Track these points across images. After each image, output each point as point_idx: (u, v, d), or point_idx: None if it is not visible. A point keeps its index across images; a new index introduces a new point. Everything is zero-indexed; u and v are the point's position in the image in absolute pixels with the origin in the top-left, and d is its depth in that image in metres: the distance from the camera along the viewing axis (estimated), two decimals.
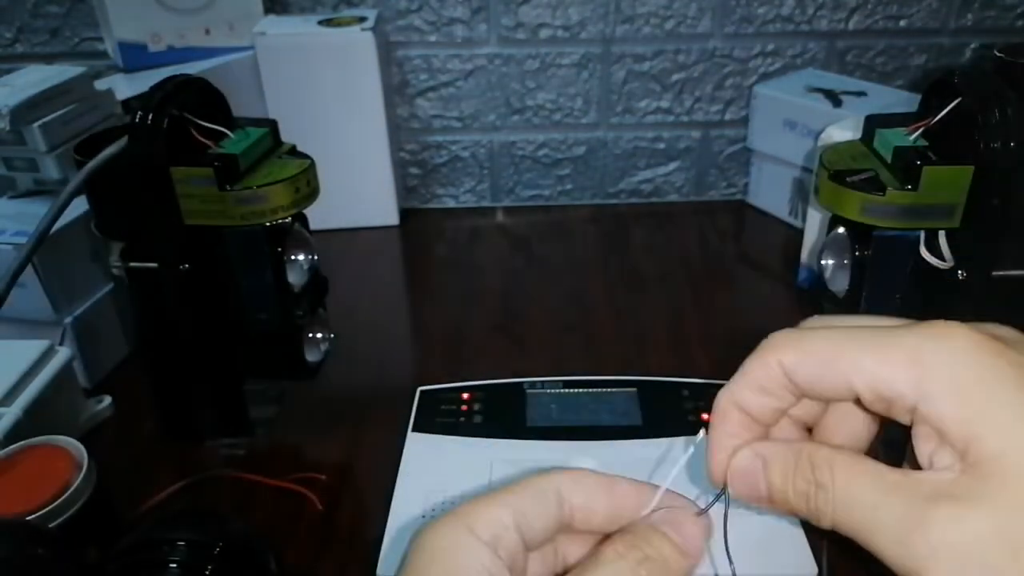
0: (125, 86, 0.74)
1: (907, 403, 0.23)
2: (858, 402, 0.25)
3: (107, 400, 0.59)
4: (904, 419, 0.24)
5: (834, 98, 0.77)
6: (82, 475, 0.43)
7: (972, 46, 0.86)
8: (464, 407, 0.55)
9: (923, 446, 0.23)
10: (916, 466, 0.25)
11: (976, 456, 0.22)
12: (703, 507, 0.27)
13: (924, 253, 0.45)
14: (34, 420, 0.49)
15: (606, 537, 0.27)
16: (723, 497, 0.27)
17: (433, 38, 0.85)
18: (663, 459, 0.50)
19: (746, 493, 0.27)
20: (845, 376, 0.24)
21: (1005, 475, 0.21)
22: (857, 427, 0.28)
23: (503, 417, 0.54)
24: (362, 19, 0.78)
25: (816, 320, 0.28)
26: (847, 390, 0.24)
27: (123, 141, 0.46)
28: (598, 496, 0.27)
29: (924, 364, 0.23)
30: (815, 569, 0.42)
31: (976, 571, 0.20)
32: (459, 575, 0.24)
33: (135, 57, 0.80)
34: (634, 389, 0.56)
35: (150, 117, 0.45)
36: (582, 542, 0.28)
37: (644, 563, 0.24)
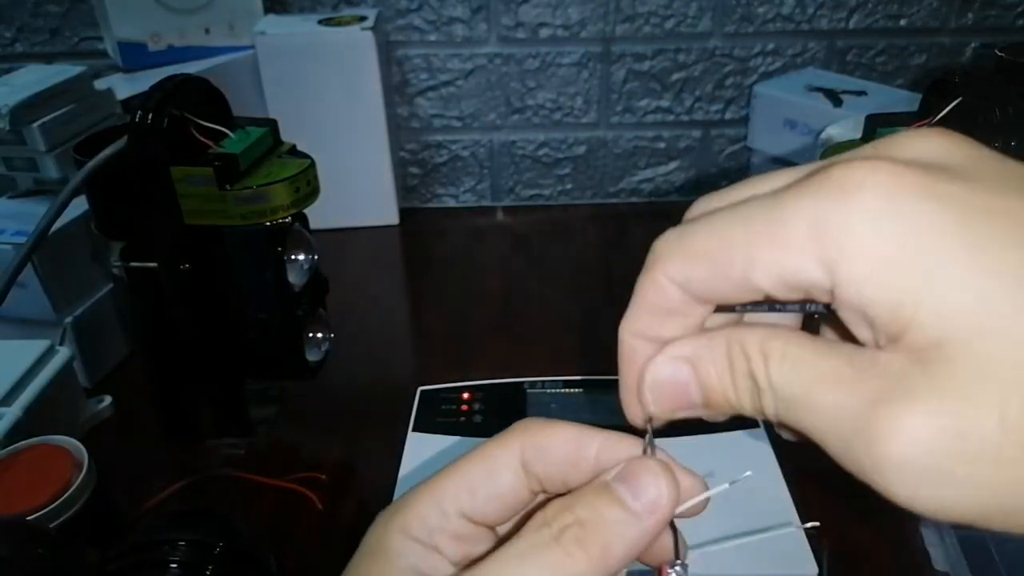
0: (125, 86, 0.74)
1: (824, 288, 0.19)
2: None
3: (107, 400, 0.59)
4: (824, 301, 0.20)
5: (834, 97, 0.77)
6: (82, 475, 0.43)
7: (973, 45, 0.86)
8: (464, 407, 0.55)
9: (856, 329, 0.19)
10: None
11: (917, 343, 0.17)
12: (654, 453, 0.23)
13: None
14: (34, 420, 0.49)
15: None
16: (649, 436, 0.23)
17: (433, 37, 0.85)
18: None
19: (674, 405, 0.22)
20: (744, 277, 0.19)
21: (954, 364, 0.17)
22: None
23: (503, 417, 0.54)
24: (362, 18, 0.78)
25: (702, 203, 0.22)
26: (752, 292, 0.20)
27: (123, 141, 0.46)
28: (566, 464, 0.23)
29: (830, 237, 0.18)
30: (815, 569, 0.42)
31: (934, 477, 0.17)
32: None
33: (135, 57, 0.80)
34: None
35: (150, 117, 0.45)
36: None
37: (570, 529, 0.20)
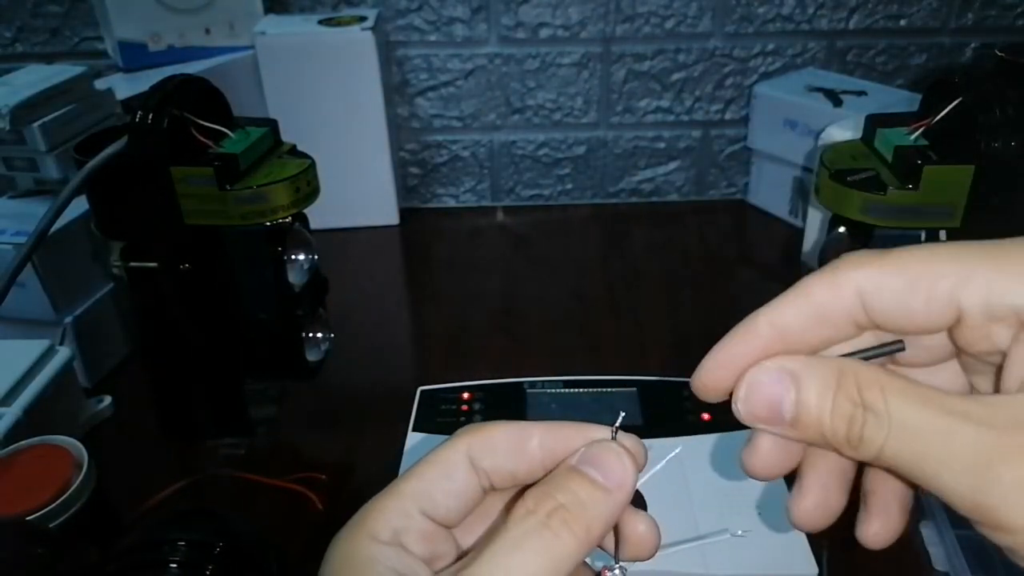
0: (125, 86, 0.74)
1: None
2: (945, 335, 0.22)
3: (107, 400, 0.59)
4: (1001, 344, 0.21)
5: (834, 98, 0.77)
6: (82, 475, 0.43)
7: (972, 45, 0.86)
8: (464, 407, 0.55)
9: (1016, 369, 0.20)
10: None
11: None
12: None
13: None
14: (34, 420, 0.49)
15: None
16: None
17: (433, 37, 0.85)
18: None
19: (764, 414, 0.22)
20: (949, 292, 0.20)
21: None
22: (928, 358, 0.23)
23: (503, 417, 0.53)
24: (362, 19, 0.78)
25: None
26: (947, 312, 0.20)
27: (123, 141, 0.46)
28: (510, 456, 0.25)
29: None
30: (815, 569, 0.42)
31: None
32: None
33: (135, 57, 0.80)
34: (634, 389, 0.56)
35: (150, 117, 0.45)
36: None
37: (556, 513, 0.22)
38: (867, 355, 0.22)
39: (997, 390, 0.21)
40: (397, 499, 0.24)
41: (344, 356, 0.60)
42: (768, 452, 0.23)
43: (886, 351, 0.22)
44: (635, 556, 0.24)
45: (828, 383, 0.21)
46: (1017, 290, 0.20)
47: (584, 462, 0.23)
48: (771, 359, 0.22)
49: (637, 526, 0.24)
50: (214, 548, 0.37)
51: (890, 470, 0.21)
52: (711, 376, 0.23)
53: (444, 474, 0.24)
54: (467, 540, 0.26)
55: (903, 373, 0.23)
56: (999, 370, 0.21)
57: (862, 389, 0.20)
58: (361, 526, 0.24)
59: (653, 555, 0.25)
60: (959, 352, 0.22)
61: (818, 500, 0.24)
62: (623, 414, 0.24)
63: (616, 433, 0.24)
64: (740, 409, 0.22)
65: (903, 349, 0.22)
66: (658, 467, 0.24)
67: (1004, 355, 0.20)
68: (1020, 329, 0.20)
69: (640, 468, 0.24)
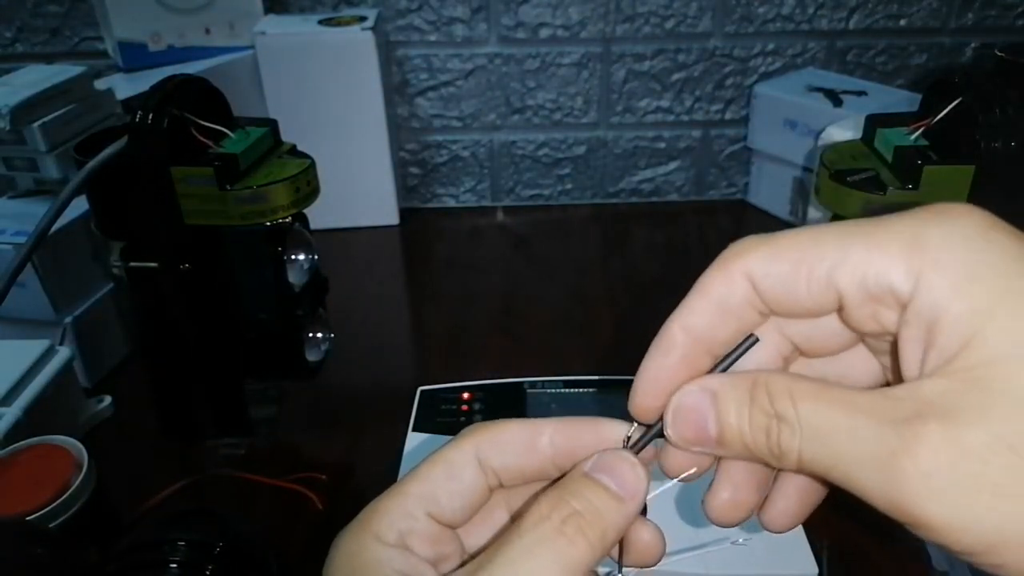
0: (125, 86, 0.74)
1: (901, 297, 0.19)
2: (836, 319, 0.22)
3: (107, 400, 0.59)
4: (889, 324, 0.20)
5: (834, 98, 0.77)
6: (82, 475, 0.43)
7: (973, 45, 0.86)
8: (464, 407, 0.55)
9: (909, 353, 0.20)
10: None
11: (975, 358, 0.18)
12: (635, 447, 0.24)
13: None
14: (34, 420, 0.49)
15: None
16: (654, 434, 0.24)
17: (433, 37, 0.85)
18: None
19: (691, 436, 0.22)
20: (827, 274, 0.20)
21: (1009, 380, 0.17)
22: (832, 346, 0.24)
23: (503, 417, 0.54)
24: (362, 19, 0.78)
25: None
26: (827, 294, 0.20)
27: (123, 141, 0.46)
28: (520, 454, 0.24)
29: (926, 249, 0.19)
30: (815, 569, 0.42)
31: (974, 496, 0.17)
32: None
33: (135, 57, 0.80)
34: None
35: (150, 117, 0.45)
36: (534, 488, 0.26)
37: (571, 519, 0.22)
38: (726, 362, 0.23)
39: (896, 380, 0.21)
40: (401, 500, 0.24)
41: (344, 356, 0.60)
42: (684, 459, 0.24)
43: (741, 351, 0.23)
44: (640, 563, 0.24)
45: (743, 398, 0.21)
46: (891, 269, 0.19)
47: (598, 469, 0.23)
48: (694, 380, 0.23)
49: (643, 534, 0.24)
50: (214, 548, 0.37)
51: (818, 478, 0.21)
52: (644, 400, 0.23)
53: (450, 474, 0.24)
54: (472, 539, 0.26)
55: (815, 365, 0.24)
56: (894, 358, 0.21)
57: (773, 399, 0.20)
58: (365, 527, 0.24)
59: (657, 563, 0.24)
60: (859, 335, 0.22)
61: (731, 498, 0.24)
62: (634, 425, 0.24)
63: (628, 441, 0.24)
64: (671, 434, 0.23)
65: (756, 341, 0.22)
66: (669, 484, 0.24)
67: (896, 339, 0.20)
68: (902, 310, 0.20)
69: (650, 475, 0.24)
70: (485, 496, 0.25)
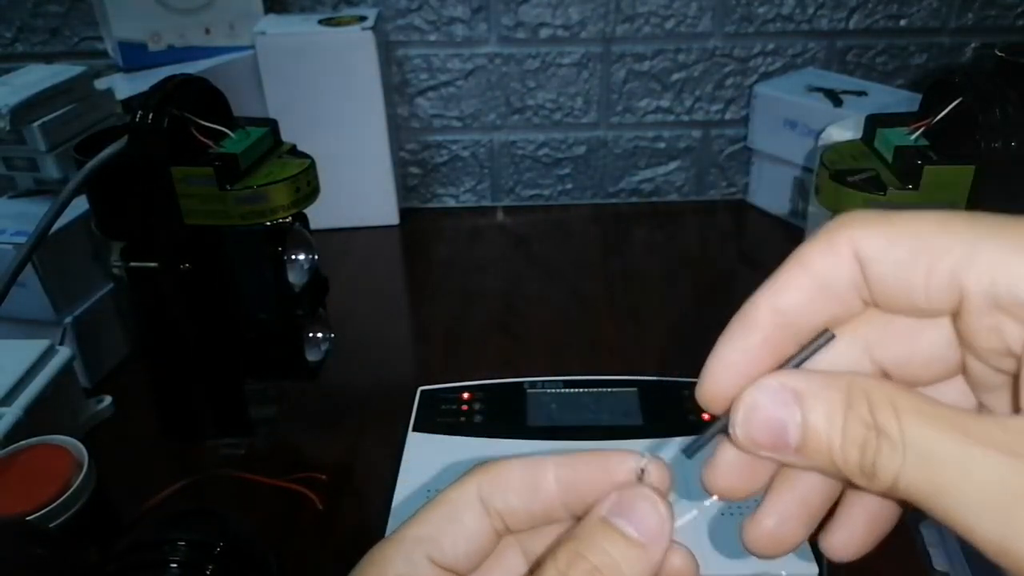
0: (125, 86, 0.74)
1: None
2: (951, 322, 0.19)
3: (107, 400, 0.59)
4: (1013, 342, 0.17)
5: (834, 98, 0.77)
6: (82, 475, 0.43)
7: (973, 45, 0.86)
8: (464, 407, 0.55)
9: None
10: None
11: None
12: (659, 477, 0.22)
13: None
14: (34, 420, 0.49)
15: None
16: (717, 429, 0.21)
17: (433, 37, 0.85)
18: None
19: (764, 440, 0.19)
20: (951, 270, 0.17)
21: None
22: (929, 373, 0.20)
23: (503, 417, 0.54)
24: (362, 18, 0.78)
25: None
26: (947, 294, 0.17)
27: (123, 141, 0.46)
28: (525, 495, 0.22)
29: None
30: (815, 569, 0.42)
31: None
32: None
33: (135, 57, 0.80)
34: (634, 389, 0.56)
35: (150, 117, 0.45)
36: (551, 531, 0.23)
37: None
38: (797, 359, 0.20)
39: (1016, 409, 0.18)
40: (400, 545, 0.22)
41: (344, 356, 0.60)
42: (731, 473, 0.21)
43: (814, 348, 0.20)
44: None
45: (837, 403, 0.18)
46: None
47: (615, 513, 0.21)
48: (772, 375, 0.19)
49: (673, 560, 0.22)
50: (214, 548, 0.37)
51: (908, 503, 0.18)
52: (715, 386, 0.20)
53: (451, 516, 0.23)
54: None
55: None
56: (1015, 382, 0.18)
57: (874, 408, 0.18)
58: (370, 570, 0.22)
59: None
60: (966, 357, 0.19)
61: (775, 529, 0.21)
62: (646, 457, 0.22)
63: (643, 474, 0.22)
64: (739, 434, 0.20)
65: (832, 337, 0.20)
66: (691, 515, 0.22)
67: (1020, 361, 0.18)
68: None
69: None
70: (492, 540, 0.23)
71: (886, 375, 0.20)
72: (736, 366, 0.20)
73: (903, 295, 0.18)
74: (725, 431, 0.20)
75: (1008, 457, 0.16)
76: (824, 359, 0.20)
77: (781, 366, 0.20)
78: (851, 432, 0.18)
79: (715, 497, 0.21)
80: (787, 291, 0.19)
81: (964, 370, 0.20)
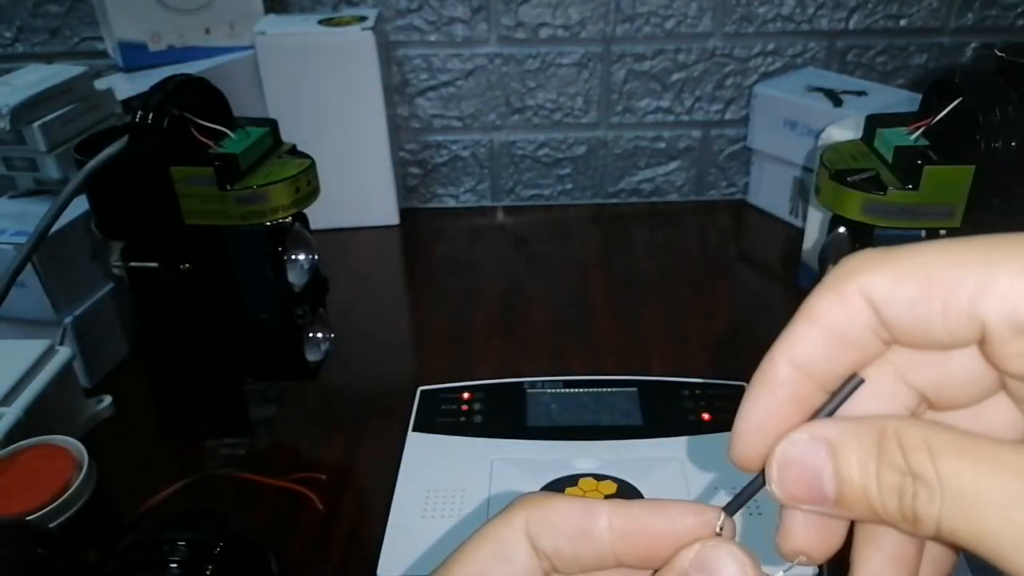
0: (125, 86, 0.74)
1: None
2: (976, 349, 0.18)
3: (107, 400, 0.59)
4: None
5: (834, 98, 0.77)
6: (82, 475, 0.43)
7: (973, 45, 0.86)
8: (464, 407, 0.55)
9: None
10: None
11: None
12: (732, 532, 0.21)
13: None
14: (34, 420, 0.49)
15: None
16: (755, 488, 0.20)
17: (433, 37, 0.85)
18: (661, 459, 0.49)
19: (801, 493, 0.19)
20: (969, 303, 0.16)
21: None
22: (967, 394, 0.19)
23: (503, 417, 0.54)
24: (362, 18, 0.78)
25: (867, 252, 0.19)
26: (968, 326, 0.17)
27: (123, 141, 0.46)
28: (574, 538, 0.21)
29: None
30: (815, 569, 0.42)
31: None
32: None
33: (135, 57, 0.80)
34: (634, 389, 0.56)
35: (150, 117, 0.45)
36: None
37: None
38: (828, 407, 0.19)
39: None
40: None
41: (344, 356, 0.60)
42: (804, 532, 0.20)
43: (844, 395, 0.19)
44: None
45: (869, 449, 0.18)
46: None
47: (698, 568, 0.20)
48: (802, 427, 0.19)
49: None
50: (214, 548, 0.37)
51: (957, 547, 0.18)
52: (747, 448, 0.20)
53: (500, 554, 0.21)
54: None
55: (944, 420, 0.20)
56: None
57: (907, 453, 0.17)
58: None
59: None
60: (1003, 376, 0.18)
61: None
62: (722, 516, 0.21)
63: (721, 528, 0.20)
64: (775, 491, 0.19)
65: (862, 382, 0.19)
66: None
67: None
68: None
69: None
70: None
71: (925, 399, 0.20)
72: (765, 425, 0.19)
73: (923, 333, 0.18)
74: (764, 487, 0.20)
75: None
76: (858, 394, 0.19)
77: (812, 416, 0.19)
78: (886, 479, 0.17)
79: (798, 560, 0.20)
80: (802, 344, 0.19)
81: (1004, 387, 0.19)
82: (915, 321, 0.18)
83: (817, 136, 0.69)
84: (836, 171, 0.46)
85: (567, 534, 0.21)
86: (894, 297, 0.18)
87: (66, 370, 0.54)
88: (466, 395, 0.56)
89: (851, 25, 0.85)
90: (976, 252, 0.17)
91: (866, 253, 0.18)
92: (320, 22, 0.78)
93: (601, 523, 0.21)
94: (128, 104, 0.68)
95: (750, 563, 0.20)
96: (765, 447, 0.19)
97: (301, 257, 0.52)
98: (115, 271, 0.50)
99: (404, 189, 0.92)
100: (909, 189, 0.44)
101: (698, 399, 0.54)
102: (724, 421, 0.52)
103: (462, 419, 0.54)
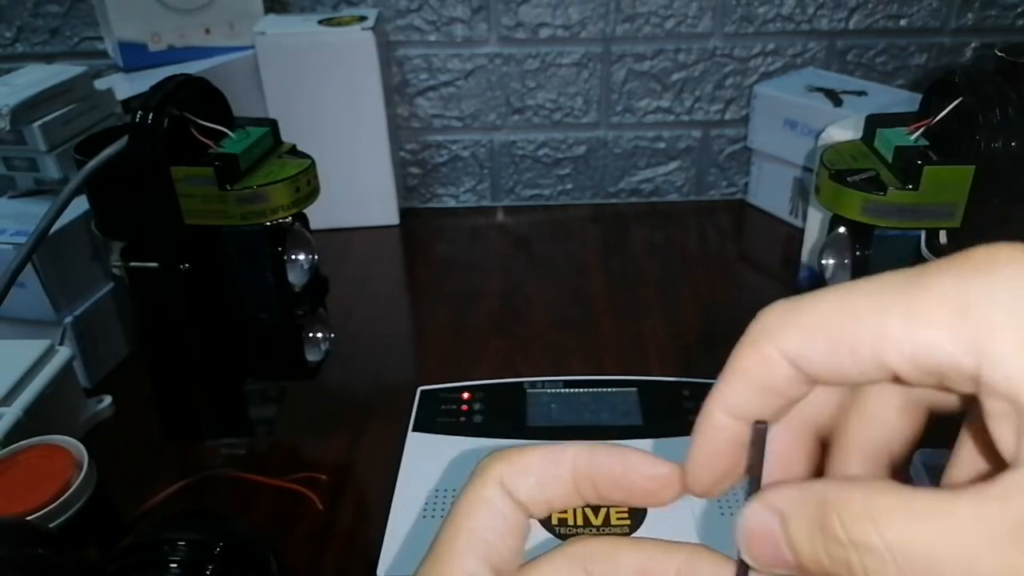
0: (125, 86, 0.74)
1: (965, 371, 0.16)
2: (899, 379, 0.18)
3: (107, 400, 0.59)
4: (965, 390, 0.17)
5: (834, 98, 0.77)
6: (82, 475, 0.43)
7: (973, 45, 0.86)
8: (464, 407, 0.55)
9: (999, 430, 0.17)
10: (988, 462, 0.18)
11: None
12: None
13: (925, 253, 0.45)
14: (34, 420, 0.49)
15: None
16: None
17: (433, 37, 0.85)
18: None
19: (770, 560, 0.19)
20: (872, 353, 0.17)
21: None
22: (893, 417, 0.20)
23: (503, 417, 0.54)
24: (362, 18, 0.78)
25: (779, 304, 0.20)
26: (879, 370, 0.17)
27: (123, 141, 0.46)
28: (543, 482, 0.22)
29: (975, 313, 0.16)
30: None
31: None
32: None
33: (135, 57, 0.80)
34: (634, 389, 0.56)
35: (150, 117, 0.45)
36: None
37: None
38: (752, 463, 0.20)
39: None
40: (455, 560, 0.21)
41: (344, 356, 0.60)
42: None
43: (759, 443, 0.20)
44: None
45: (813, 520, 0.18)
46: (942, 343, 0.16)
47: None
48: (758, 496, 0.19)
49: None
50: (214, 548, 0.37)
51: None
52: (700, 486, 0.21)
53: (492, 513, 0.22)
54: None
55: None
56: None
57: (847, 526, 0.17)
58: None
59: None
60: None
61: None
62: (661, 463, 0.22)
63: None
64: (748, 560, 0.20)
65: (766, 427, 0.20)
66: None
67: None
68: (975, 381, 0.17)
69: None
70: (525, 532, 0.23)
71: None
72: (710, 467, 0.21)
73: (841, 378, 0.18)
74: None
75: (999, 537, 0.15)
76: (811, 399, 0.20)
77: (748, 467, 0.20)
78: (833, 553, 0.17)
79: None
80: (733, 396, 0.20)
81: None
82: (831, 370, 0.18)
83: (817, 136, 0.68)
84: (836, 171, 0.46)
85: (539, 482, 0.22)
86: (807, 353, 0.18)
87: (66, 370, 0.54)
88: (466, 395, 0.56)
89: (851, 25, 0.85)
90: (867, 300, 0.18)
91: (776, 309, 0.19)
92: (320, 22, 0.78)
93: (566, 468, 0.22)
94: (128, 104, 0.68)
95: None
96: (716, 483, 0.21)
97: (301, 257, 0.52)
98: (115, 271, 0.50)
99: (404, 189, 0.92)
100: (909, 189, 0.44)
101: (698, 399, 0.54)
102: None
103: (462, 419, 0.54)
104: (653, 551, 0.22)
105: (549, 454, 0.22)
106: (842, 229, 0.48)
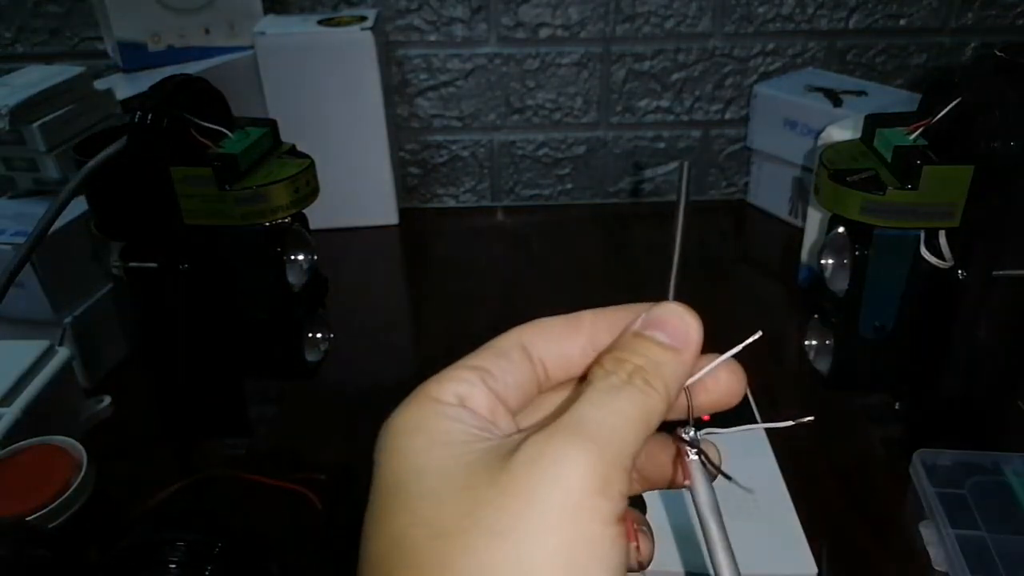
0: (125, 86, 0.74)
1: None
2: None
3: (107, 400, 0.59)
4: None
5: (834, 97, 0.77)
6: (82, 475, 0.43)
7: (972, 45, 0.86)
8: None
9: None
10: None
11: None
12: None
13: (924, 252, 0.45)
14: (34, 420, 0.49)
15: None
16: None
17: (433, 37, 0.85)
18: None
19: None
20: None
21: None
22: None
23: None
24: (362, 19, 0.78)
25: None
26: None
27: (122, 141, 0.46)
28: (565, 337, 0.25)
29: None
30: (815, 569, 0.42)
31: None
32: (440, 438, 0.23)
33: (135, 57, 0.80)
34: None
35: (150, 117, 0.45)
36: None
37: (636, 373, 0.22)
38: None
39: None
40: (456, 371, 0.24)
41: (344, 356, 0.60)
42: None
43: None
44: (721, 405, 0.25)
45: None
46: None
47: (648, 327, 0.24)
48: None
49: (720, 374, 0.24)
50: (214, 548, 0.37)
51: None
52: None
53: (499, 354, 0.24)
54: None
55: None
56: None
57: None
58: (422, 393, 0.24)
59: (739, 399, 0.25)
60: None
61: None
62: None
63: (692, 430, 0.24)
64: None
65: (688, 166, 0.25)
66: (738, 348, 0.25)
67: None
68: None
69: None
70: (535, 385, 0.25)
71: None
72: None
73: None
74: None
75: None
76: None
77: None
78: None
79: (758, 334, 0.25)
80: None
81: None
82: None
83: (817, 136, 0.69)
84: (835, 171, 0.46)
85: (557, 337, 0.25)
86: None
87: (65, 370, 0.54)
88: None
89: (851, 25, 0.85)
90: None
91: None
92: (320, 22, 0.78)
93: (585, 323, 0.25)
94: (128, 104, 0.68)
95: (688, 313, 0.24)
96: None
97: (300, 257, 0.52)
98: (115, 271, 0.50)
99: (404, 189, 0.92)
100: (908, 189, 0.44)
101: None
102: (725, 420, 0.52)
103: None
104: (569, 317, 0.26)
105: (567, 318, 0.26)
106: (841, 229, 0.48)
